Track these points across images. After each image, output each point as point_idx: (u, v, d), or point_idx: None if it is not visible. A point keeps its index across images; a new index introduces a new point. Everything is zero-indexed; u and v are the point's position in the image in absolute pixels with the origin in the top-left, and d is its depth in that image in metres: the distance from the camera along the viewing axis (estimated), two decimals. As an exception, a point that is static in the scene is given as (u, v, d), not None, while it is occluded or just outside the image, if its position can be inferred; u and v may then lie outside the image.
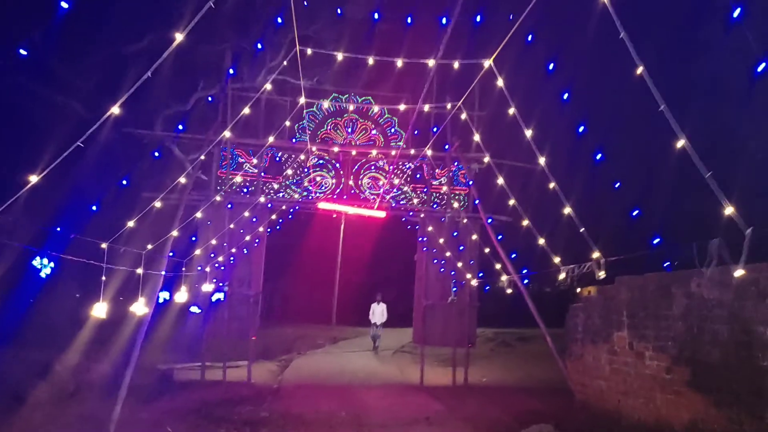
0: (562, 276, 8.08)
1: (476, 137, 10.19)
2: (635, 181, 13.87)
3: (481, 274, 12.60)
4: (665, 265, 7.68)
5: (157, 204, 9.59)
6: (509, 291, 11.01)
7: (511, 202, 10.86)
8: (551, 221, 9.87)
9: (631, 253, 6.92)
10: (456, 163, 14.22)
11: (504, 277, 10.70)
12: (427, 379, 12.86)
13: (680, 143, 5.26)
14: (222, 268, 12.09)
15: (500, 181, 10.91)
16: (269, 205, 13.59)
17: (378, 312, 16.29)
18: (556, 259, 8.84)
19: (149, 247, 8.39)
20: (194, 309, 12.21)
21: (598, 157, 9.40)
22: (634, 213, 10.03)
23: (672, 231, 9.99)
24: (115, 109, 5.41)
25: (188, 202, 12.21)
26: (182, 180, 11.34)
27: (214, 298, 12.11)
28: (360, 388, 12.34)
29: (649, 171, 14.88)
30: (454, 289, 12.13)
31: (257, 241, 12.58)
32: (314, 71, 16.43)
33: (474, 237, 12.75)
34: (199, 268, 11.54)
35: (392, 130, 16.36)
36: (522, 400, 10.96)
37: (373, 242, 26.28)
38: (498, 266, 11.10)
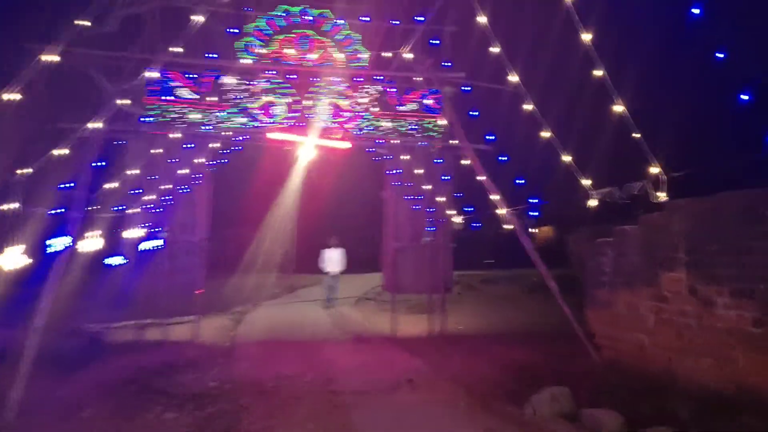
0: (592, 202, 6.54)
1: (482, 19, 8.25)
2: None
3: (471, 210, 11.05)
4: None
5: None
6: (509, 227, 9.44)
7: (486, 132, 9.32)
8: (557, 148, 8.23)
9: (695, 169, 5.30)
10: (428, 88, 12.41)
11: (500, 211, 9.15)
12: (399, 329, 11.48)
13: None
14: (158, 210, 10.07)
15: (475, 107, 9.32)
16: (211, 139, 11.39)
17: (334, 259, 13.62)
18: (586, 182, 7.26)
19: (22, 173, 6.31)
20: (114, 260, 10.17)
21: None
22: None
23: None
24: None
25: (110, 134, 10.08)
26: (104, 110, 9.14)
27: (147, 246, 10.15)
28: (325, 342, 10.84)
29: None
30: (432, 228, 10.60)
31: (199, 177, 10.49)
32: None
33: (443, 173, 11.18)
34: (118, 208, 9.46)
35: (354, 48, 14.22)
36: (511, 351, 9.69)
37: (336, 179, 23.83)
38: (491, 198, 9.52)
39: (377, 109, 11.73)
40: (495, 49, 8.64)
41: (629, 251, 7.27)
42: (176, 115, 11.63)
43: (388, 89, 12.65)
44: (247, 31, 14.17)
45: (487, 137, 9.93)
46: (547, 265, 9.36)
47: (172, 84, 12.22)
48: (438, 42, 13.00)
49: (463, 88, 12.20)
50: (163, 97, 11.87)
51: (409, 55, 10.98)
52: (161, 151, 9.87)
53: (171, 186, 10.16)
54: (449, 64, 13.26)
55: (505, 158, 9.27)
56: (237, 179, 23.53)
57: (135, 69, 10.76)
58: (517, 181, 8.96)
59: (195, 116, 11.37)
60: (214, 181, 11.30)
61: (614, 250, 7.52)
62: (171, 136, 10.54)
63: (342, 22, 14.03)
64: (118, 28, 13.44)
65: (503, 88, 10.19)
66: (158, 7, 13.09)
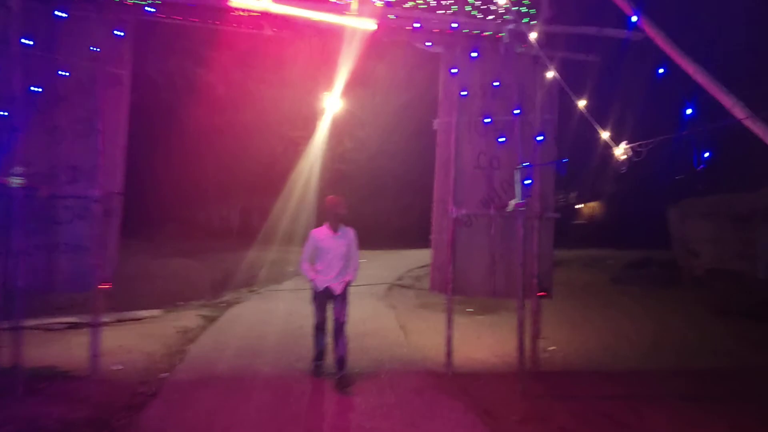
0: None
1: None
2: None
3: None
4: None
5: None
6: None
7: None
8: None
9: None
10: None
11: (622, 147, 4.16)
12: (457, 353, 6.63)
13: None
14: (16, 139, 5.22)
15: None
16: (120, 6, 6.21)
17: (336, 251, 6.16)
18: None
19: None
20: None
21: None
22: None
23: None
24: None
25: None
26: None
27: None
28: (329, 384, 6.09)
29: None
30: (527, 181, 5.58)
31: (106, 79, 5.57)
32: None
33: (549, 77, 6.04)
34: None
35: None
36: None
37: (353, 92, 17.03)
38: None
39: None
40: None
41: None
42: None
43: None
44: None
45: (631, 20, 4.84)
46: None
47: None
48: None
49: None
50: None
51: None
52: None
53: (42, 94, 5.41)
54: None
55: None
56: (178, 85, 17.25)
57: None
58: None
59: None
60: (135, 89, 6.40)
61: None
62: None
63: None
64: None
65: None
66: None
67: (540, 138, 6.23)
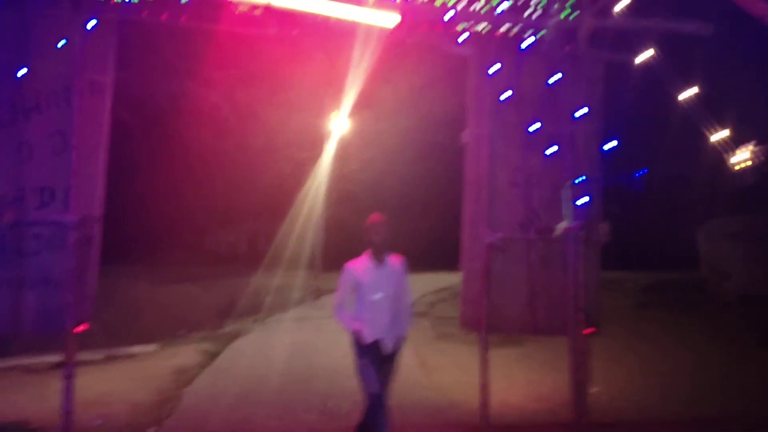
0: None
1: None
2: None
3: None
4: None
5: None
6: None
7: None
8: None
9: None
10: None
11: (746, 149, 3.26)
12: (492, 398, 5.66)
13: None
14: None
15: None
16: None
17: (382, 291, 4.41)
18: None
19: None
20: None
21: None
22: None
23: None
24: None
25: None
26: None
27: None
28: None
29: None
30: (582, 200, 4.69)
31: (85, 88, 4.77)
32: None
33: (582, 95, 5.16)
34: None
35: None
36: None
37: (361, 111, 15.85)
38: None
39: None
40: None
41: None
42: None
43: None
44: None
45: None
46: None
47: None
48: None
49: None
50: None
51: None
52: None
53: (7, 104, 4.63)
54: None
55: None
56: (181, 107, 15.61)
57: None
58: None
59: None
60: (118, 99, 5.58)
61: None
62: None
63: None
64: None
65: None
66: None
67: (600, 147, 5.37)
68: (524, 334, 5.96)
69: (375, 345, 4.30)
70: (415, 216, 22.41)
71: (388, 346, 4.33)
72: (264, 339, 10.23)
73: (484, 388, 5.54)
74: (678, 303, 15.27)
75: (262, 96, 18.55)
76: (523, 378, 7.43)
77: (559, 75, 5.49)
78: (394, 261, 4.50)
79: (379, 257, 4.41)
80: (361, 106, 15.39)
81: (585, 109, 4.95)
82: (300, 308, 14.87)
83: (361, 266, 4.44)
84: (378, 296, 4.32)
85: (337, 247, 23.00)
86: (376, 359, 4.29)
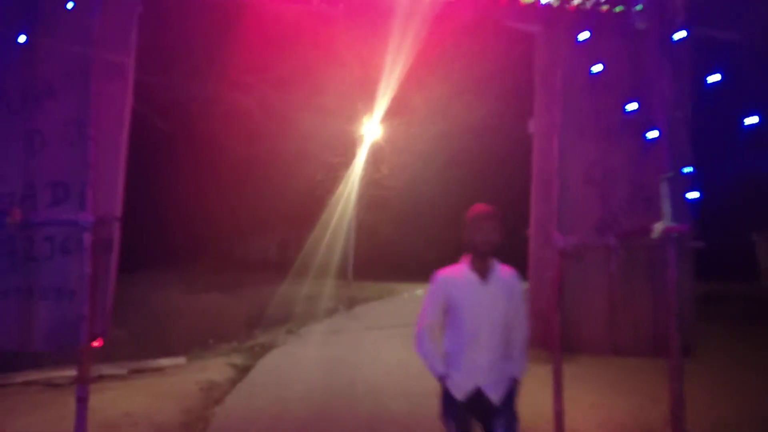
0: None
1: None
2: None
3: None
4: None
5: None
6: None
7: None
8: None
9: None
10: None
11: None
12: (544, 413, 4.83)
13: None
14: None
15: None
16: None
17: (488, 315, 3.07)
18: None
19: None
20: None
21: None
22: None
23: None
24: None
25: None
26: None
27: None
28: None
29: None
30: (692, 194, 3.93)
31: (104, 72, 4.24)
32: None
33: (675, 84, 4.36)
34: None
35: None
36: None
37: (396, 115, 14.99)
38: None
39: None
40: None
41: None
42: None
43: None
44: None
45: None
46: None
47: None
48: None
49: None
50: None
51: None
52: None
53: (16, 89, 4.07)
54: None
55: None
56: (215, 113, 16.31)
57: None
58: None
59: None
60: (148, 101, 5.04)
61: None
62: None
63: None
64: None
65: None
66: None
67: (689, 136, 4.55)
68: (602, 354, 5.10)
69: (475, 396, 3.04)
70: (445, 223, 21.57)
71: (494, 396, 3.04)
72: (298, 352, 9.55)
73: (559, 416, 4.73)
74: (737, 315, 14.23)
75: (295, 100, 18.12)
76: (587, 401, 6.55)
77: (647, 53, 4.69)
78: (505, 272, 3.19)
79: (483, 267, 3.12)
80: (397, 106, 14.74)
81: (717, 76, 4.10)
82: (334, 318, 14.20)
83: (458, 278, 3.15)
84: (478, 322, 3.07)
85: (366, 255, 22.39)
86: (468, 416, 3.07)
